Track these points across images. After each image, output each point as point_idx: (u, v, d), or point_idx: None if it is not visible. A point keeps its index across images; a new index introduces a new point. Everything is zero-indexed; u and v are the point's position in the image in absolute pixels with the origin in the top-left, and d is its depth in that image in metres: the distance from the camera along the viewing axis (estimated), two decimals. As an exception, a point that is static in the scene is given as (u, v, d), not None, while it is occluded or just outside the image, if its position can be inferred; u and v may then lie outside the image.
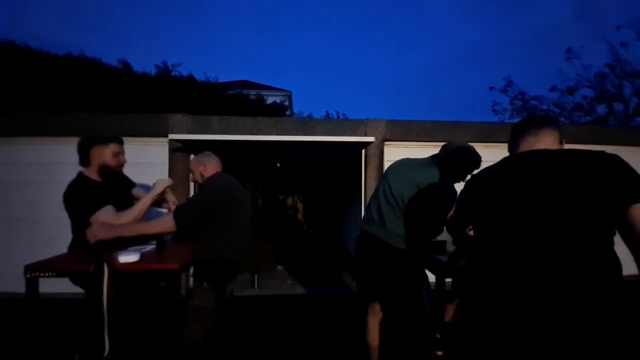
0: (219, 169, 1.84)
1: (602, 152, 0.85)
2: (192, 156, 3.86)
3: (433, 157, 1.84)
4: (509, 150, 1.11)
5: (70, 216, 1.71)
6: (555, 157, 0.89)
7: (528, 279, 0.80)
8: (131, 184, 2.04)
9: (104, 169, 1.75)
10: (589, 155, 0.85)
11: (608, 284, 0.75)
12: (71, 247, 1.77)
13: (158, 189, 1.83)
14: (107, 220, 1.62)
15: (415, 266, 1.78)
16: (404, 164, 1.88)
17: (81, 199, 1.65)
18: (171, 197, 2.03)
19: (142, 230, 1.60)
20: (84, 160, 1.75)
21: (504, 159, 1.00)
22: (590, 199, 0.79)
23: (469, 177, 1.27)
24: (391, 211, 1.76)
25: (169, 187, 1.93)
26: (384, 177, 1.91)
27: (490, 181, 0.97)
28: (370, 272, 1.86)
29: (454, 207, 1.48)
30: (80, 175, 1.75)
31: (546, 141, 1.00)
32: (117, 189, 1.85)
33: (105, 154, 1.74)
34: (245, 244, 1.81)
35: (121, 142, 1.84)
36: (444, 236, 2.10)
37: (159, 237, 1.74)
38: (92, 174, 1.75)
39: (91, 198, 1.65)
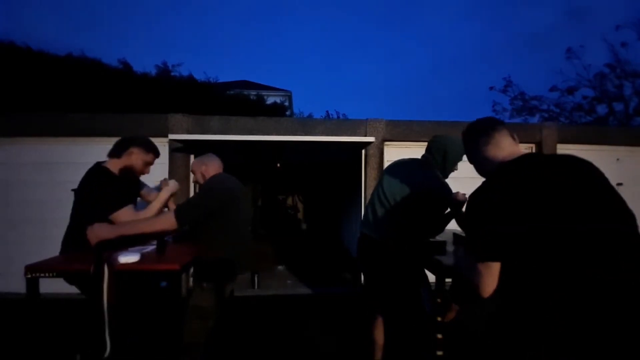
0: (220, 170, 1.85)
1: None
2: (192, 157, 3.86)
3: (424, 156, 1.86)
4: (474, 158, 1.09)
5: (82, 203, 1.68)
6: (567, 161, 0.92)
7: (539, 281, 0.80)
8: (142, 185, 2.09)
9: (128, 170, 1.78)
10: (585, 161, 0.93)
11: (614, 283, 0.74)
12: (65, 241, 1.73)
13: (170, 191, 1.93)
14: (128, 218, 1.65)
15: (413, 267, 1.78)
16: (397, 165, 1.90)
17: (103, 189, 1.65)
18: (172, 205, 2.09)
19: (144, 229, 1.60)
20: (118, 152, 1.75)
21: (522, 160, 0.95)
22: (601, 201, 0.84)
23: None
24: (386, 213, 1.77)
25: (174, 193, 2.00)
26: (380, 179, 1.93)
27: (516, 184, 0.89)
28: (370, 274, 1.87)
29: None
30: (99, 165, 1.74)
31: (511, 140, 1.03)
32: (131, 186, 1.89)
33: (140, 158, 1.80)
34: (246, 243, 1.81)
35: (158, 155, 1.93)
36: (444, 236, 2.11)
37: (159, 238, 1.74)
38: (113, 166, 1.74)
39: (113, 191, 1.66)
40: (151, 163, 1.88)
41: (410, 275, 1.77)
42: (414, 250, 1.78)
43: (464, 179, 4.41)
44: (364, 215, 1.95)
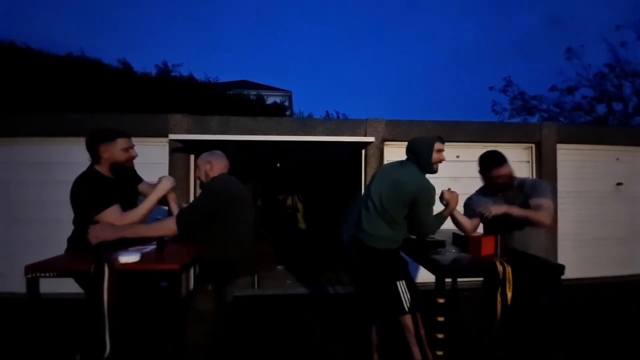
0: (225, 170, 1.83)
1: None
2: (192, 157, 3.86)
3: (408, 157, 1.91)
4: None
5: (74, 208, 1.70)
6: None
7: None
8: (139, 180, 2.03)
9: (115, 166, 1.75)
10: None
11: None
12: (71, 239, 1.76)
13: (161, 191, 1.83)
14: (112, 219, 1.62)
15: (392, 264, 1.83)
16: (385, 167, 1.99)
17: (89, 194, 1.64)
18: (172, 197, 2.04)
19: (145, 233, 1.61)
20: (95, 157, 1.73)
21: None
22: None
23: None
24: (369, 213, 1.84)
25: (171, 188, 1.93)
26: (369, 181, 1.99)
27: None
28: (360, 274, 1.94)
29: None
30: (90, 168, 1.75)
31: None
32: (126, 184, 1.85)
33: (114, 151, 1.73)
34: (248, 247, 1.80)
35: (128, 136, 1.82)
36: (444, 236, 2.11)
37: (159, 238, 1.73)
38: (103, 169, 1.75)
39: (99, 194, 1.64)
40: (129, 146, 1.79)
41: (389, 271, 1.82)
42: (397, 247, 1.85)
43: (464, 179, 4.40)
44: (353, 218, 2.02)
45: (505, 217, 1.82)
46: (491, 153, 1.99)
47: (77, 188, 1.67)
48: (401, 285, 1.78)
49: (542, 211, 1.78)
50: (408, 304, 1.77)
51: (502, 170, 1.91)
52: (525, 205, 1.84)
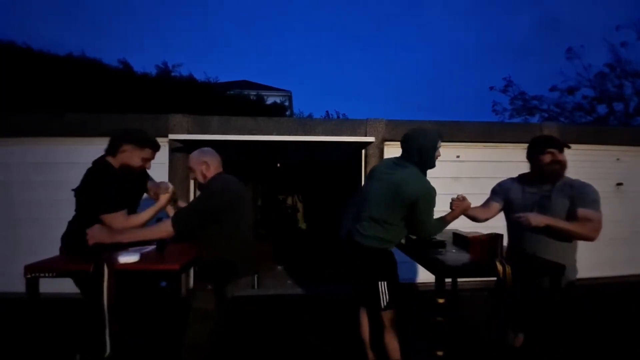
0: (220, 168, 1.82)
1: None
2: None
3: (403, 155, 1.91)
4: None
5: (81, 201, 1.66)
6: None
7: None
8: (147, 177, 2.03)
9: (126, 168, 1.72)
10: None
11: None
12: (65, 237, 1.73)
13: (161, 204, 1.82)
14: (117, 223, 1.60)
15: (379, 264, 1.82)
16: (380, 167, 1.96)
17: (101, 192, 1.60)
18: (171, 211, 2.07)
19: (141, 237, 1.59)
20: (113, 150, 1.69)
21: None
22: None
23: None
24: (364, 213, 1.83)
25: (171, 197, 1.92)
26: (366, 180, 1.98)
27: None
28: (349, 266, 1.97)
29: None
30: (103, 160, 1.70)
31: None
32: (135, 182, 1.85)
33: (134, 156, 1.72)
34: (248, 247, 1.79)
35: (156, 149, 1.82)
36: (444, 236, 2.11)
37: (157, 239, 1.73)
38: (115, 163, 1.71)
39: (110, 193, 1.60)
40: (150, 158, 1.79)
41: (376, 272, 1.82)
42: (387, 250, 1.83)
43: (464, 179, 4.38)
44: (349, 218, 2.02)
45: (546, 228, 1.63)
46: (549, 136, 1.83)
47: (90, 182, 1.63)
48: (382, 286, 1.80)
49: (589, 225, 1.58)
50: (385, 303, 1.79)
51: (559, 156, 1.72)
52: (570, 211, 1.67)
